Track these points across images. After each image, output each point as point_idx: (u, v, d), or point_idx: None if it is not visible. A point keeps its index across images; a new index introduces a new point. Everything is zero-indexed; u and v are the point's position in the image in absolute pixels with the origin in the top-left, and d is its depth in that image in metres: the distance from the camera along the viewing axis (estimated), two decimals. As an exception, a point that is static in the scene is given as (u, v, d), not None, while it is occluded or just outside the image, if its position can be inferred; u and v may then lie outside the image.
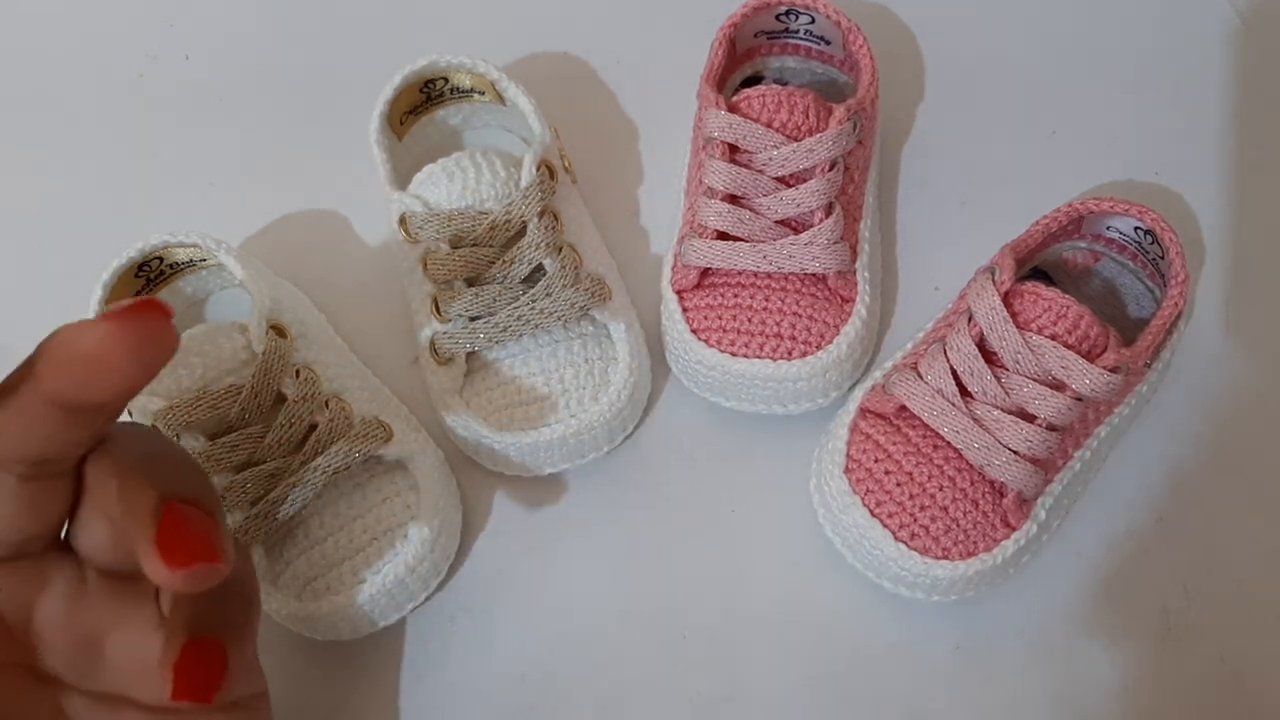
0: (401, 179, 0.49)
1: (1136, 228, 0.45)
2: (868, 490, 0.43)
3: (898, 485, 0.42)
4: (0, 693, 0.27)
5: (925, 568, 0.41)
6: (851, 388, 0.47)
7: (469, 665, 0.46)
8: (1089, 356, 0.40)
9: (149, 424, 0.42)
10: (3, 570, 0.27)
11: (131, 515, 0.25)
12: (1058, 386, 0.41)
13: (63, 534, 0.28)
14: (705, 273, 0.47)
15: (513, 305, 0.46)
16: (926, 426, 0.43)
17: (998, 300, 0.41)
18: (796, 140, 0.45)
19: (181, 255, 0.47)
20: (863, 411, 0.45)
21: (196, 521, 0.25)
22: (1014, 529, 0.42)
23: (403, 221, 0.47)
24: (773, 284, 0.46)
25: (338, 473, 0.43)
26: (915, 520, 0.42)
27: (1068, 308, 0.40)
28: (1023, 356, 0.41)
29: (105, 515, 0.27)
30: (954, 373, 0.42)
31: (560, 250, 0.46)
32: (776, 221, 0.46)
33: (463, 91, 0.51)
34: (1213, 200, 0.53)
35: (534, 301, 0.46)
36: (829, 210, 0.46)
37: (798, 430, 0.48)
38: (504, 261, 0.46)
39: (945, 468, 0.42)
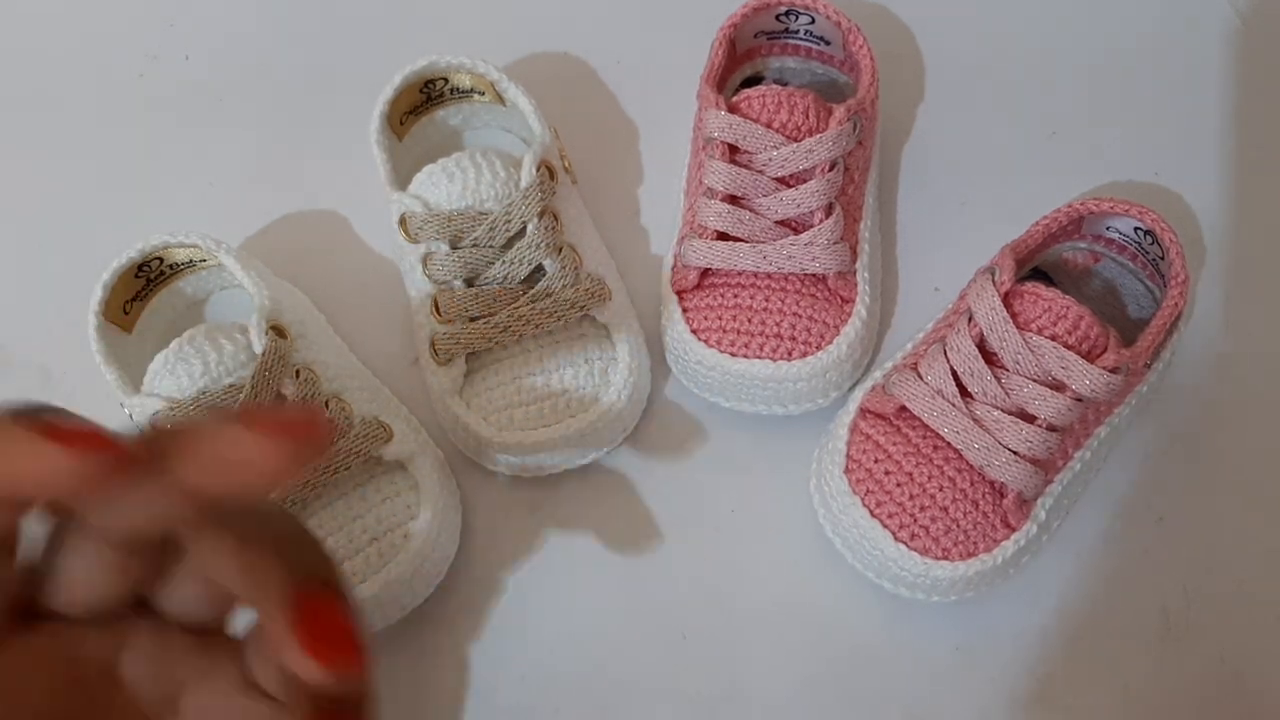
0: (401, 179, 0.48)
1: (1136, 228, 0.45)
2: (868, 490, 0.43)
3: (898, 486, 0.42)
4: None
5: (925, 568, 0.41)
6: (851, 388, 0.47)
7: (469, 665, 0.46)
8: (1089, 357, 0.40)
9: (148, 424, 0.42)
10: (87, 629, 0.26)
11: (261, 594, 0.23)
12: (1058, 387, 0.41)
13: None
14: (705, 273, 0.47)
15: (513, 306, 0.46)
16: (926, 427, 0.43)
17: (998, 301, 0.41)
18: (796, 141, 0.45)
19: (181, 255, 0.47)
20: (863, 412, 0.45)
21: (338, 612, 0.23)
22: (1014, 529, 0.42)
23: (403, 222, 0.47)
24: (773, 284, 0.46)
25: (338, 473, 0.43)
26: (915, 521, 0.42)
27: (1068, 308, 0.40)
28: (1023, 357, 0.41)
29: (200, 580, 0.26)
30: (954, 373, 0.42)
31: (560, 251, 0.46)
32: (776, 222, 0.46)
33: (463, 92, 0.51)
34: (1213, 200, 0.53)
35: (534, 302, 0.46)
36: (829, 211, 0.46)
37: (798, 431, 0.48)
38: (504, 262, 0.46)
39: (945, 468, 0.42)
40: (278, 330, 0.44)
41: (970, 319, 0.42)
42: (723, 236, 0.46)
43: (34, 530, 0.24)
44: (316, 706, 0.24)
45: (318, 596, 0.23)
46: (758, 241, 0.46)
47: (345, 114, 0.54)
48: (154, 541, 0.25)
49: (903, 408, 0.43)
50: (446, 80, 0.50)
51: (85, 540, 0.24)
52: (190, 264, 0.48)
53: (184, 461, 0.21)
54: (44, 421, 0.21)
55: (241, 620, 0.27)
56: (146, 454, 0.22)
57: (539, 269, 0.46)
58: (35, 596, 0.26)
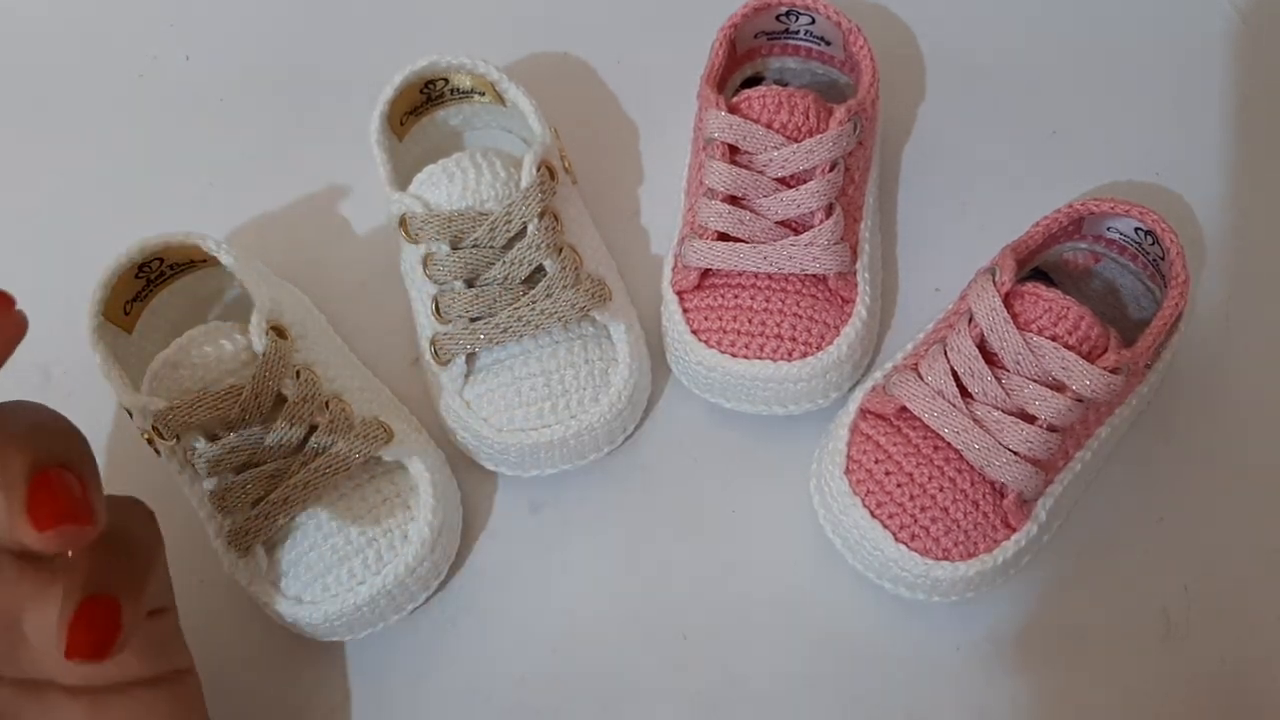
0: (402, 179, 0.48)
1: (1137, 228, 0.45)
2: (868, 491, 0.43)
3: (898, 486, 0.42)
4: None
5: (926, 568, 0.41)
6: (852, 389, 0.47)
7: (470, 666, 0.46)
8: (1089, 357, 0.40)
9: (149, 424, 0.42)
10: None
11: (3, 484, 0.25)
12: (1058, 387, 0.41)
13: None
14: (706, 273, 0.47)
15: (513, 306, 0.46)
16: (927, 427, 0.43)
17: (998, 301, 0.41)
18: (797, 141, 0.45)
19: (182, 256, 0.47)
20: (863, 412, 0.45)
21: (64, 484, 0.26)
22: (1014, 530, 0.42)
23: (403, 222, 0.47)
24: (773, 285, 0.46)
25: (338, 474, 0.43)
26: (916, 521, 0.42)
27: (1068, 309, 0.40)
28: (1023, 357, 0.41)
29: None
30: (954, 374, 0.42)
31: (560, 251, 0.46)
32: (777, 222, 0.46)
33: (463, 92, 0.51)
34: (1213, 200, 0.53)
35: (534, 302, 0.45)
36: (829, 211, 0.46)
37: (798, 431, 0.48)
38: (504, 262, 0.46)
39: (946, 469, 0.42)
40: (278, 331, 0.44)
41: (971, 319, 0.42)
42: (723, 237, 0.46)
43: None
44: (83, 600, 0.27)
45: (49, 473, 0.25)
46: (758, 242, 0.46)
47: (345, 114, 0.54)
48: None
49: (903, 408, 0.43)
50: (447, 80, 0.50)
51: None
52: (191, 264, 0.48)
53: None
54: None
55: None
56: None
57: (539, 269, 0.46)
58: None
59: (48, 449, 0.26)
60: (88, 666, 0.29)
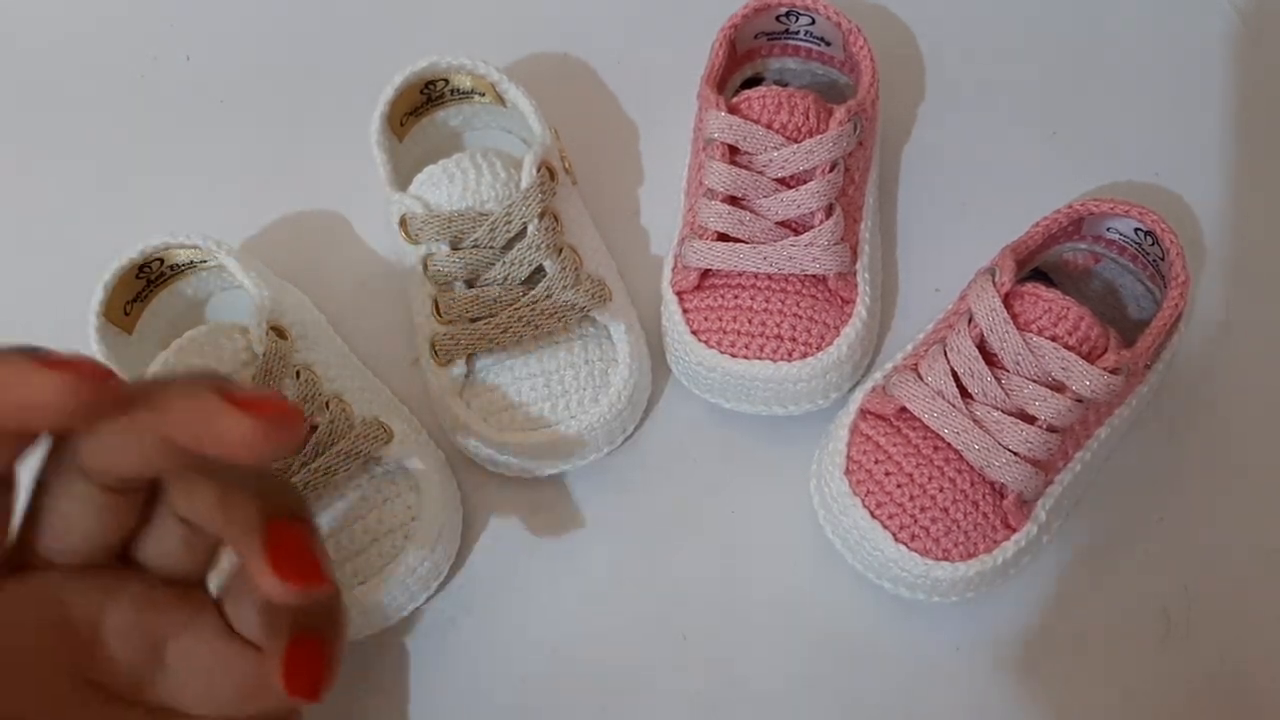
0: (402, 180, 0.48)
1: (1137, 229, 0.45)
2: (868, 491, 0.43)
3: (898, 486, 0.42)
4: (59, 703, 0.27)
5: (926, 569, 0.41)
6: (852, 389, 0.47)
7: (470, 666, 0.46)
8: (1089, 358, 0.40)
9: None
10: (75, 578, 0.27)
11: (236, 527, 0.25)
12: (1058, 388, 0.41)
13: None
14: (705, 274, 0.47)
15: (513, 307, 0.46)
16: (927, 428, 0.43)
17: (998, 301, 0.41)
18: (797, 142, 0.45)
19: (182, 256, 0.47)
20: (863, 413, 0.45)
21: (303, 537, 0.25)
22: (1014, 530, 0.42)
23: (403, 223, 0.47)
24: (773, 285, 0.46)
25: (338, 474, 0.43)
26: (915, 521, 0.42)
27: (1068, 309, 0.40)
28: (1023, 358, 0.41)
29: (179, 524, 0.27)
30: (954, 374, 0.42)
31: (560, 251, 0.46)
32: (777, 223, 0.46)
33: (463, 93, 0.51)
34: (1213, 201, 0.53)
35: (534, 303, 0.46)
36: (829, 211, 0.46)
37: (798, 432, 0.48)
38: (504, 263, 0.46)
39: (946, 469, 0.42)
40: (278, 331, 0.44)
41: (970, 320, 0.42)
42: (723, 237, 0.46)
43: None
44: (293, 638, 0.26)
45: (286, 524, 0.25)
46: (758, 242, 0.46)
47: (345, 115, 0.54)
48: (139, 486, 0.26)
49: (903, 409, 0.43)
50: (447, 81, 0.50)
51: (75, 481, 0.26)
52: (191, 265, 0.48)
53: (178, 416, 0.23)
54: (38, 353, 0.22)
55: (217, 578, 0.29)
56: (131, 398, 0.23)
57: (539, 270, 0.46)
58: (28, 544, 0.27)
59: (275, 498, 0.26)
60: (217, 707, 0.29)
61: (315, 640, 0.27)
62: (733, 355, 0.46)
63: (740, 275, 0.47)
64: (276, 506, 0.26)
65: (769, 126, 0.45)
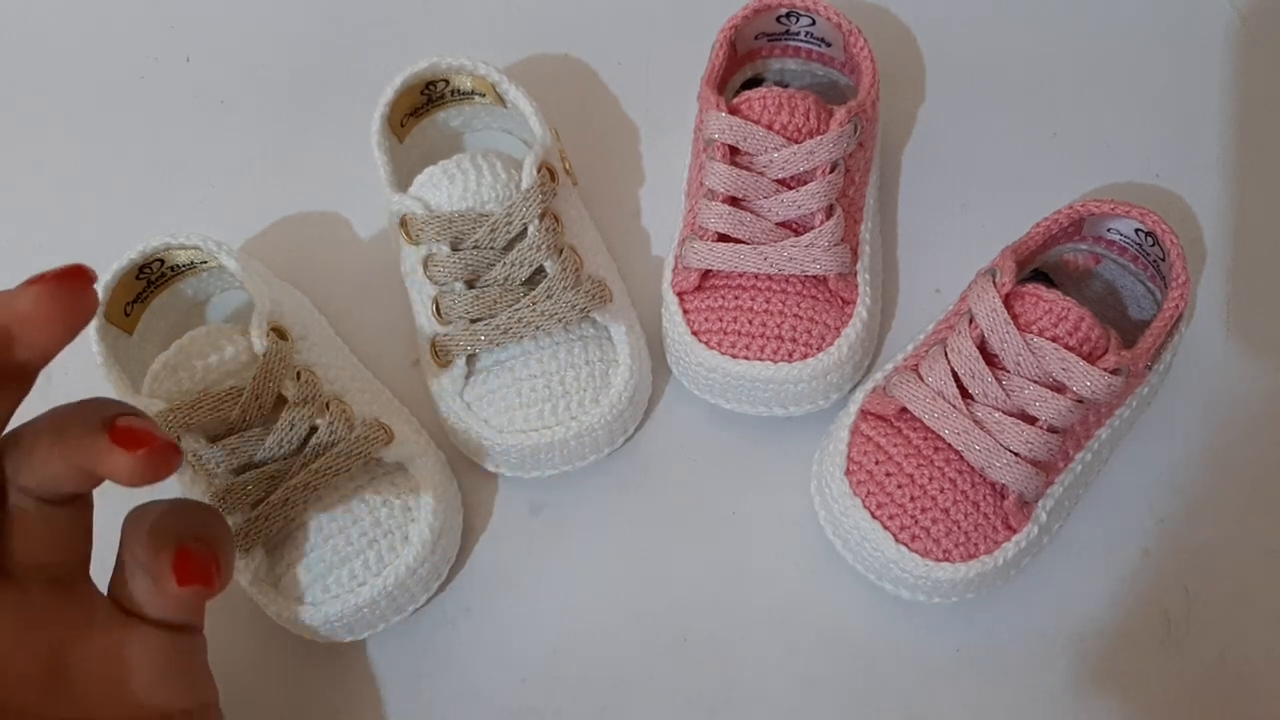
0: (402, 181, 0.48)
1: (1137, 230, 0.45)
2: (869, 492, 0.43)
3: (899, 487, 0.42)
4: None
5: (926, 570, 0.41)
6: (852, 390, 0.47)
7: (470, 667, 0.46)
8: (1090, 358, 0.40)
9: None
10: None
11: (72, 434, 0.28)
12: (1058, 388, 0.41)
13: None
14: (706, 275, 0.47)
15: (513, 307, 0.46)
16: (927, 428, 0.43)
17: (998, 302, 0.41)
18: (797, 142, 0.45)
19: (182, 257, 0.47)
20: (863, 413, 0.45)
21: (143, 422, 0.29)
22: (1015, 531, 0.42)
23: (403, 223, 0.47)
24: (773, 286, 0.46)
25: (339, 475, 0.43)
26: (916, 522, 0.42)
27: (1068, 310, 0.40)
28: (1023, 358, 0.41)
29: (31, 500, 0.29)
30: (955, 375, 0.42)
31: (561, 252, 0.46)
32: (777, 224, 0.46)
33: (463, 94, 0.51)
34: (1213, 201, 0.53)
35: (535, 304, 0.46)
36: (829, 212, 0.46)
37: (798, 432, 0.48)
38: (505, 264, 0.46)
39: (946, 470, 0.42)
40: (278, 332, 0.44)
41: (971, 320, 0.42)
42: (723, 238, 0.46)
43: None
44: (180, 546, 0.30)
45: (126, 419, 0.28)
46: (758, 243, 0.46)
47: (345, 115, 0.55)
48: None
49: (903, 409, 0.43)
50: (447, 82, 0.50)
51: None
52: (191, 265, 0.48)
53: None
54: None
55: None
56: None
57: (540, 271, 0.46)
58: None
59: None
60: (130, 704, 0.30)
61: (201, 544, 0.30)
62: (733, 356, 0.46)
63: (741, 276, 0.47)
64: (106, 407, 0.29)
65: (769, 127, 0.45)
